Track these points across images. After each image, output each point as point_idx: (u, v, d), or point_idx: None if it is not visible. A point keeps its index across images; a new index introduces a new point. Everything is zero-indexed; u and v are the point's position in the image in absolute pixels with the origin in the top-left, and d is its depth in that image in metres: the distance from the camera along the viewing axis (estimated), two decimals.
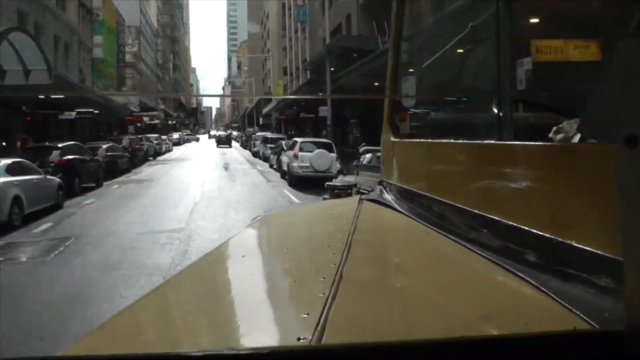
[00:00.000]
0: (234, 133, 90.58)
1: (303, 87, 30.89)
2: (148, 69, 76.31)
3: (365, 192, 6.06)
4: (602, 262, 0.89)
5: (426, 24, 2.52)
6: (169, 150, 47.24)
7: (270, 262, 1.55)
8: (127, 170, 25.26)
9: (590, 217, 0.97)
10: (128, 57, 60.33)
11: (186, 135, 76.22)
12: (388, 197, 2.13)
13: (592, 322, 0.78)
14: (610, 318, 0.79)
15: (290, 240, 1.92)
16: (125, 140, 28.76)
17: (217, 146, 55.48)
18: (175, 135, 64.24)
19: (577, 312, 0.81)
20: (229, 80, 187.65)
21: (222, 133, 69.15)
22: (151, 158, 35.83)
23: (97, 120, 35.34)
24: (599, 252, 0.91)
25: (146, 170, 27.20)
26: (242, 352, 0.62)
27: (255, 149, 37.76)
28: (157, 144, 40.48)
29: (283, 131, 49.62)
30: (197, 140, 79.34)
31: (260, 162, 32.76)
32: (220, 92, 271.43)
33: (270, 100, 55.45)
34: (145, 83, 71.13)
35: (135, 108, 41.55)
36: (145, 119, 53.39)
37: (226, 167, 29.89)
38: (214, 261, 1.64)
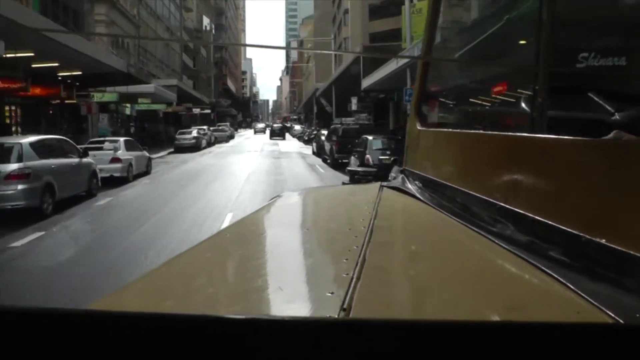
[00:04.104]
0: (297, 127, 62.35)
1: None
2: (160, 23, 47.44)
3: None
4: (633, 261, 0.87)
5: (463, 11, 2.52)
6: (99, 195, 17.44)
7: (291, 240, 1.51)
8: None
9: (621, 215, 0.97)
10: None
11: (215, 132, 46.80)
12: (410, 185, 2.09)
13: (620, 321, 0.77)
14: None
15: (311, 221, 1.94)
16: None
17: (270, 138, 52.61)
18: (193, 134, 34.80)
19: (606, 310, 0.80)
20: (287, 69, 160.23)
21: (276, 125, 64.55)
22: None
23: None
24: (630, 251, 0.89)
25: None
26: (286, 319, 0.58)
27: None
28: None
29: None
30: (230, 138, 50.47)
31: None
32: (278, 84, 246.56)
33: (376, 66, 25.56)
34: (149, 43, 42.41)
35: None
36: (102, 95, 24.36)
37: None
38: (234, 236, 1.67)
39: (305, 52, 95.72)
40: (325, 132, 28.64)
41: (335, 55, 56.45)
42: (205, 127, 41.84)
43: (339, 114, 43.44)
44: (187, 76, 61.96)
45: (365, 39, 47.39)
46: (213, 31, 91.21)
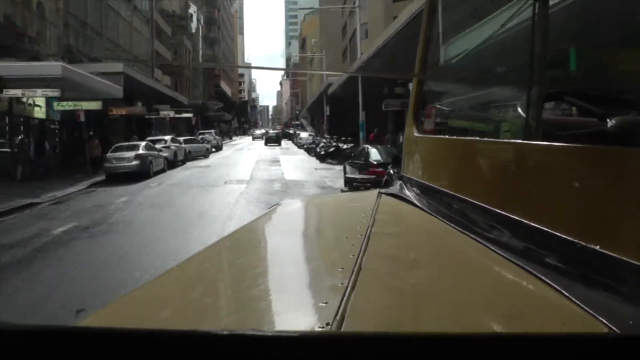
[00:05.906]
0: (303, 135, 49.07)
1: None
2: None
3: None
4: (628, 268, 0.87)
5: (458, 19, 2.50)
6: None
7: (288, 249, 1.51)
8: None
9: (616, 222, 0.98)
10: None
11: (190, 142, 32.17)
12: (408, 192, 2.08)
13: (614, 329, 0.77)
14: (634, 325, 0.79)
15: (308, 230, 1.94)
16: None
17: (266, 144, 51.18)
18: (139, 150, 20.73)
19: (600, 318, 0.79)
20: (287, 72, 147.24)
21: (272, 132, 63.07)
22: None
23: None
24: (625, 258, 0.89)
25: None
26: (269, 334, 0.58)
27: None
28: None
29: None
30: (216, 150, 36.40)
31: None
32: (278, 89, 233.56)
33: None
34: (92, 16, 28.93)
35: None
36: None
37: None
38: (232, 245, 1.66)
39: (310, 46, 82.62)
40: (372, 149, 15.00)
41: (355, 31, 43.21)
42: (167, 137, 27.76)
43: (371, 116, 30.05)
44: (164, 72, 48.65)
45: (386, 23, 34.33)
46: (202, 22, 77.98)
